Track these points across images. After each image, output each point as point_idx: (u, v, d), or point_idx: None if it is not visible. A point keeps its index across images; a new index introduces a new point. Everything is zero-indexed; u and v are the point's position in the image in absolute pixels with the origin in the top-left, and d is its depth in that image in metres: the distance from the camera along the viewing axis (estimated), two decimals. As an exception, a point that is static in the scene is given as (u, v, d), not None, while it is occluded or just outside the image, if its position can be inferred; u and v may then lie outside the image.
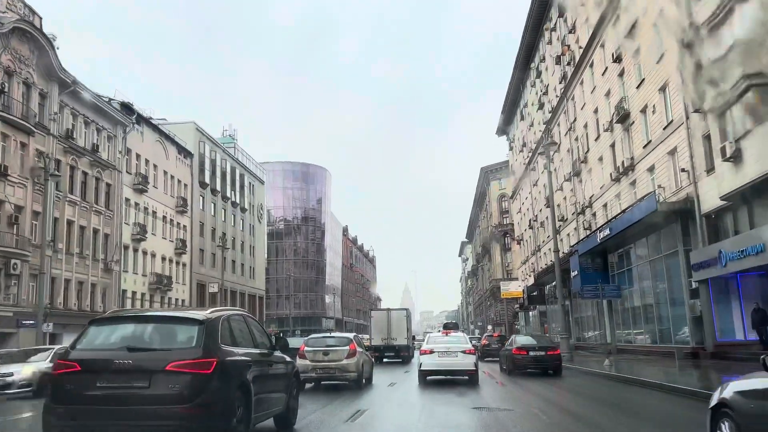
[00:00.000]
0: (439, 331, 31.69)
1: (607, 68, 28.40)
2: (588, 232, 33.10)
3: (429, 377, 15.04)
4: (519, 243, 62.10)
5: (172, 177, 44.84)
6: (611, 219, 26.77)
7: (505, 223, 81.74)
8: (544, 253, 47.72)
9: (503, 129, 64.85)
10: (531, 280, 46.86)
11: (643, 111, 24.49)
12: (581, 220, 35.38)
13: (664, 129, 22.33)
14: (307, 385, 13.85)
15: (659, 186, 22.64)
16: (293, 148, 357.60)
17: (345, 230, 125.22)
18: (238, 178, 58.30)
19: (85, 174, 33.59)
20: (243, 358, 6.46)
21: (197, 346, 5.74)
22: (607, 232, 25.54)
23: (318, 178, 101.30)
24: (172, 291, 42.85)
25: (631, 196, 26.75)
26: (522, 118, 54.41)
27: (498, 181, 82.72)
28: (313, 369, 13.46)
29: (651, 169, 24.27)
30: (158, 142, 42.85)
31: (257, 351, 7.10)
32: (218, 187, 53.05)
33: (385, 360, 27.47)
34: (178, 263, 45.25)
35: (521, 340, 20.05)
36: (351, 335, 15.55)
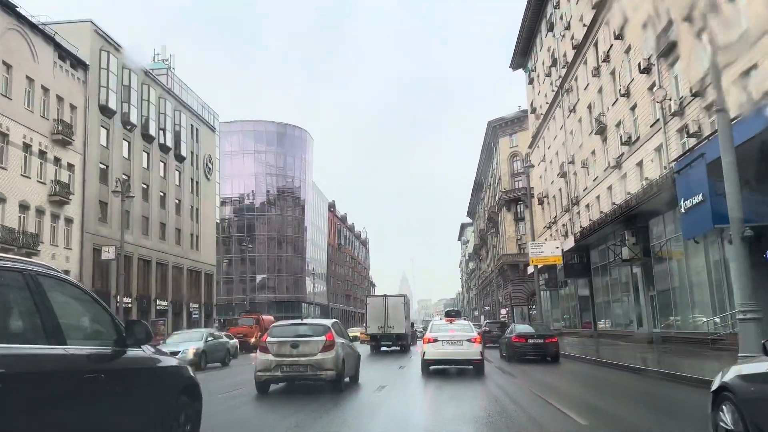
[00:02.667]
0: (441, 318, 26.79)
1: None
2: (693, 141, 19.10)
3: (432, 366, 14.20)
4: (541, 202, 48.00)
5: (46, 90, 30.56)
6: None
7: (517, 186, 67.75)
8: (588, 205, 33.69)
9: (519, 60, 50.58)
10: (567, 245, 32.72)
11: None
12: (675, 127, 21.24)
13: None
14: (272, 387, 10.96)
15: None
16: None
17: (332, 206, 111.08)
18: (171, 115, 43.99)
19: None
20: None
21: None
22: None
23: (297, 142, 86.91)
24: (41, 255, 28.70)
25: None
26: (550, 29, 40.18)
27: (509, 138, 68.60)
28: (277, 366, 10.46)
29: None
30: (16, 32, 28.50)
31: (56, 350, 3.14)
32: (135, 120, 38.75)
33: (382, 349, 26.40)
34: (56, 217, 31.08)
35: (520, 328, 20.48)
36: (329, 322, 11.73)
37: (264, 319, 34.88)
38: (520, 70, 52.82)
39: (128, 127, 38.04)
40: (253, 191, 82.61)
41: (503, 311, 47.77)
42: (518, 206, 66.81)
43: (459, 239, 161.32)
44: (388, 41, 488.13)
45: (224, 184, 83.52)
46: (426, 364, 14.06)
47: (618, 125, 27.42)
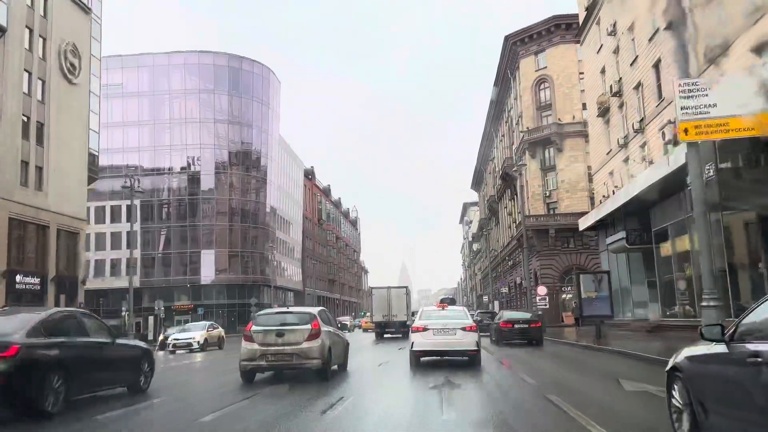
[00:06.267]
0: (433, 304, 22.67)
1: None
2: None
3: (423, 358, 12.97)
4: (605, 112, 29.02)
5: None
6: None
7: (546, 123, 49.08)
8: None
9: None
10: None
11: None
12: None
13: None
14: (258, 376, 11.08)
15: None
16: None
17: (309, 173, 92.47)
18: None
19: None
20: None
21: None
22: None
23: (257, 83, 68.02)
24: None
25: None
26: None
27: (533, 58, 49.76)
28: (262, 356, 10.52)
29: None
30: None
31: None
32: None
33: (386, 336, 29.40)
34: None
35: (508, 314, 21.86)
36: (315, 310, 11.66)
37: None
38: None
39: None
40: (194, 144, 63.75)
41: (541, 291, 28.90)
42: (546, 151, 48.18)
43: (461, 222, 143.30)
44: (404, 10, 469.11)
45: (161, 134, 65.28)
46: (415, 356, 12.68)
47: None
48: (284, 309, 12.36)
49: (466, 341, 12.34)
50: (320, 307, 12.64)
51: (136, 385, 9.45)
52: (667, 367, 5.20)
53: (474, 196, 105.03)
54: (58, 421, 6.99)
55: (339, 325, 13.58)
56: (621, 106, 26.34)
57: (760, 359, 3.71)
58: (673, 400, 5.04)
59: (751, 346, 3.90)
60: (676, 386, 5.01)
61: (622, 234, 22.76)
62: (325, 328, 11.01)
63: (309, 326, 10.60)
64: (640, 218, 22.52)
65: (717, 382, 4.39)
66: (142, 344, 10.53)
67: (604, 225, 26.77)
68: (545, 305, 27.98)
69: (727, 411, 4.19)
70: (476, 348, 12.40)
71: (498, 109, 61.59)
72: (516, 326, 19.98)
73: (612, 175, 28.08)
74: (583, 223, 28.17)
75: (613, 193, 26.43)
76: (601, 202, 28.09)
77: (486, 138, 72.62)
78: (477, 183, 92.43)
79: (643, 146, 23.73)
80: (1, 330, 7.10)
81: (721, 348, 4.31)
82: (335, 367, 11.68)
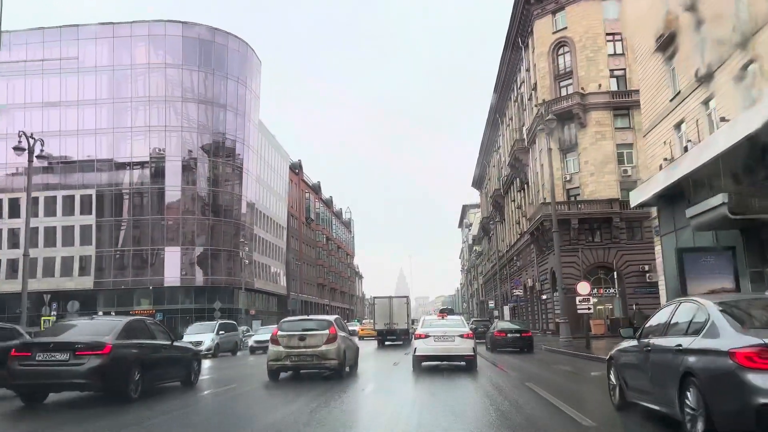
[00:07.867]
0: (433, 313, 26.25)
1: None
2: None
3: (424, 363, 14.02)
4: (668, 45, 21.00)
5: None
6: None
7: (566, 93, 41.14)
8: None
9: None
10: None
11: None
12: None
13: None
14: (282, 375, 12.83)
15: None
16: (277, 118, 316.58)
17: (296, 167, 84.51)
18: None
19: None
20: None
21: None
22: None
23: (233, 59, 59.97)
24: None
25: None
26: None
27: (550, 18, 41.77)
28: (287, 356, 12.27)
29: None
30: None
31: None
32: None
33: (387, 343, 29.99)
34: None
35: (501, 324, 24.12)
36: (332, 318, 13.77)
37: None
38: None
39: None
40: (157, 125, 55.58)
41: (582, 289, 20.49)
42: (566, 127, 40.17)
43: (460, 225, 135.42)
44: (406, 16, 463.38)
45: (120, 115, 57.15)
46: (417, 360, 13.81)
47: None
48: (305, 317, 14.94)
49: (464, 347, 13.50)
50: (335, 315, 15.48)
51: (187, 380, 11.35)
52: (607, 357, 8.00)
53: (474, 199, 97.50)
54: (138, 404, 8.84)
55: (349, 332, 15.33)
56: (699, 24, 18.39)
57: (650, 348, 6.33)
58: (610, 380, 7.69)
59: (646, 340, 6.54)
60: (611, 369, 7.63)
61: (720, 199, 14.69)
62: (340, 333, 12.68)
63: (327, 331, 12.24)
64: (741, 177, 14.61)
65: (631, 364, 6.98)
66: (192, 346, 12.65)
67: (668, 198, 18.90)
68: (588, 308, 19.86)
69: (636, 383, 6.77)
70: (473, 353, 13.58)
71: (506, 87, 53.72)
72: (509, 335, 21.69)
73: (680, 128, 20.12)
74: (639, 195, 20.18)
75: (686, 150, 18.52)
76: (661, 168, 20.13)
77: (490, 126, 64.79)
78: (479, 182, 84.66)
79: (745, 68, 15.76)
80: (96, 333, 9.28)
81: (634, 342, 6.96)
82: (347, 368, 13.01)
